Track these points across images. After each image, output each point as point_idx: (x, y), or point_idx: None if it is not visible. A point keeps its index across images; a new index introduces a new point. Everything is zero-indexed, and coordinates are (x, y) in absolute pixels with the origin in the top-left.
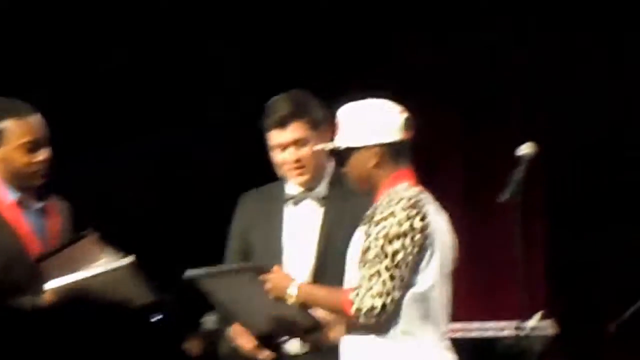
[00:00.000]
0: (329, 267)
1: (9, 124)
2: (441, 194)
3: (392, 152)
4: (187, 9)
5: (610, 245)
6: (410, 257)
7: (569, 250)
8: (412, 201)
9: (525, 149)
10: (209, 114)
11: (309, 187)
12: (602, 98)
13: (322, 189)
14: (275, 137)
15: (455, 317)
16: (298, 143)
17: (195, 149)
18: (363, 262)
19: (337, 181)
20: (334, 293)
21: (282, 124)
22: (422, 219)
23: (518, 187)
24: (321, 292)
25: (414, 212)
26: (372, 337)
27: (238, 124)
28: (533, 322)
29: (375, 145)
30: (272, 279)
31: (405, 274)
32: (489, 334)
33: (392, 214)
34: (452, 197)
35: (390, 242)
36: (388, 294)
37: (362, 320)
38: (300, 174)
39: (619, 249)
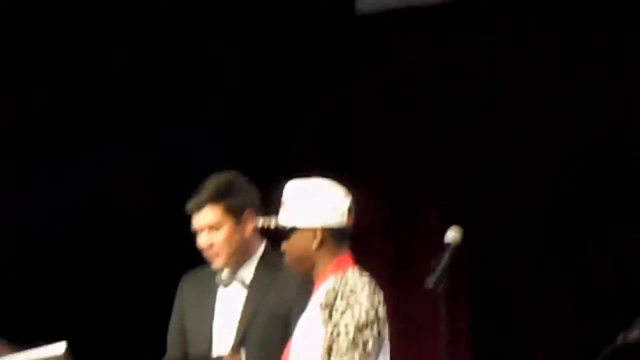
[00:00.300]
0: (246, 351)
1: None
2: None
3: (335, 236)
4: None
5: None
6: (377, 345)
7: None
8: (373, 289)
9: (452, 235)
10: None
11: (234, 269)
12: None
13: (248, 272)
14: (193, 221)
15: None
16: (211, 228)
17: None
18: (335, 351)
19: (265, 264)
20: None
21: (196, 209)
22: (383, 307)
23: (443, 274)
24: None
25: (377, 300)
26: None
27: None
28: None
29: (319, 228)
30: None
31: None
32: None
33: (358, 302)
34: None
35: (361, 330)
36: None
37: None
38: (214, 260)
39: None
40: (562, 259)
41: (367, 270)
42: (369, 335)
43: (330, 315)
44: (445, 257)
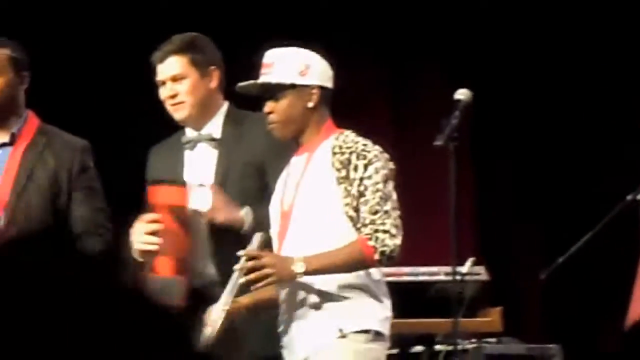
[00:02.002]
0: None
1: None
2: (369, 136)
3: (327, 98)
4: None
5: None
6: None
7: (497, 198)
8: (378, 146)
9: (462, 94)
10: None
11: (199, 128)
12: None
13: (214, 129)
14: (157, 72)
15: None
16: (175, 79)
17: None
18: (363, 205)
19: (231, 121)
20: (345, 249)
21: (160, 59)
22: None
23: (453, 133)
24: (331, 255)
25: (387, 156)
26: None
27: None
28: (465, 267)
29: (316, 87)
30: (271, 265)
31: None
32: (421, 278)
33: (376, 157)
34: (381, 140)
35: (385, 183)
36: (401, 231)
37: (384, 262)
38: (177, 110)
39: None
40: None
41: (369, 132)
42: (392, 187)
43: (348, 174)
44: (456, 114)
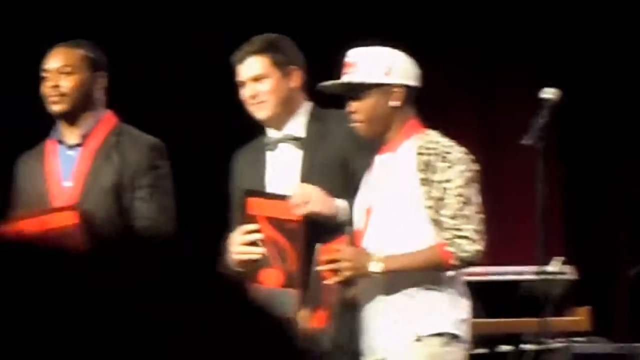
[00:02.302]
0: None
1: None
2: (457, 136)
3: (412, 97)
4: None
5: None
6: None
7: (585, 197)
8: (461, 148)
9: (549, 93)
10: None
11: (280, 128)
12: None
13: (296, 129)
14: (237, 74)
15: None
16: (256, 79)
17: None
18: (443, 209)
19: (315, 120)
20: (424, 252)
21: (240, 60)
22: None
23: (541, 131)
24: (409, 258)
25: (471, 158)
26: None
27: None
28: (553, 266)
29: (401, 85)
30: (348, 258)
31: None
32: (509, 278)
33: (459, 159)
34: (470, 139)
35: (468, 186)
36: (484, 236)
37: (463, 268)
38: (258, 109)
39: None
40: None
41: (456, 134)
42: (475, 190)
43: (431, 175)
44: (543, 113)
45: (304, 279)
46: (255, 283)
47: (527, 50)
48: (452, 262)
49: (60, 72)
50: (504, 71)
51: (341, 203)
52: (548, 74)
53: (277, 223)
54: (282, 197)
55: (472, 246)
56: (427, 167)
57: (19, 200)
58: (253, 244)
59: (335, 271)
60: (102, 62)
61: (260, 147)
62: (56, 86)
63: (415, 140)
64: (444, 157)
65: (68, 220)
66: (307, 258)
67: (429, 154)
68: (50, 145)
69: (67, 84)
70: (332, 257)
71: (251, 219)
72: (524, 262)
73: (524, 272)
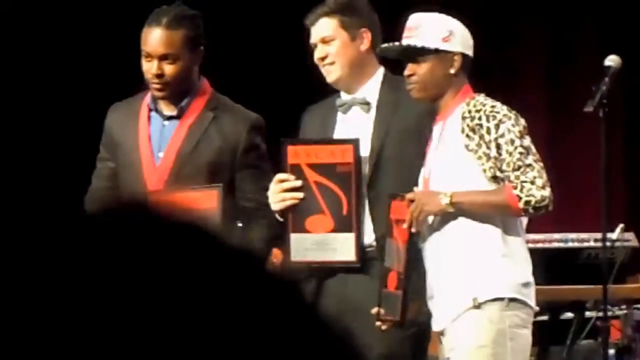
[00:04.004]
0: (381, 175)
1: (143, 30)
2: (523, 104)
3: (467, 65)
4: None
5: None
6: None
7: None
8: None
9: (612, 61)
10: None
11: (352, 91)
12: None
13: (368, 93)
14: (310, 36)
15: (537, 228)
16: (325, 40)
17: None
18: (504, 164)
19: (388, 87)
20: (491, 192)
21: (312, 22)
22: None
23: (602, 99)
24: (477, 194)
25: (516, 113)
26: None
27: None
28: (616, 234)
29: (458, 53)
30: (418, 198)
31: None
32: (571, 245)
33: (505, 115)
34: (534, 107)
35: (522, 138)
36: (549, 183)
37: (531, 212)
38: (328, 72)
39: None
40: None
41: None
42: (529, 141)
43: (482, 137)
44: (606, 80)
45: (358, 222)
46: (303, 232)
47: (591, 18)
48: (520, 205)
49: (163, 59)
50: (568, 40)
51: None
52: (611, 42)
53: (324, 168)
54: (328, 142)
55: (540, 192)
56: (475, 130)
57: (116, 152)
58: (292, 191)
59: (413, 214)
60: (200, 37)
61: (332, 107)
62: (160, 74)
63: (463, 106)
64: (492, 116)
65: (212, 201)
66: (360, 200)
67: (475, 118)
68: (144, 110)
69: (171, 71)
70: (408, 197)
71: (293, 168)
72: (588, 229)
73: (586, 239)
